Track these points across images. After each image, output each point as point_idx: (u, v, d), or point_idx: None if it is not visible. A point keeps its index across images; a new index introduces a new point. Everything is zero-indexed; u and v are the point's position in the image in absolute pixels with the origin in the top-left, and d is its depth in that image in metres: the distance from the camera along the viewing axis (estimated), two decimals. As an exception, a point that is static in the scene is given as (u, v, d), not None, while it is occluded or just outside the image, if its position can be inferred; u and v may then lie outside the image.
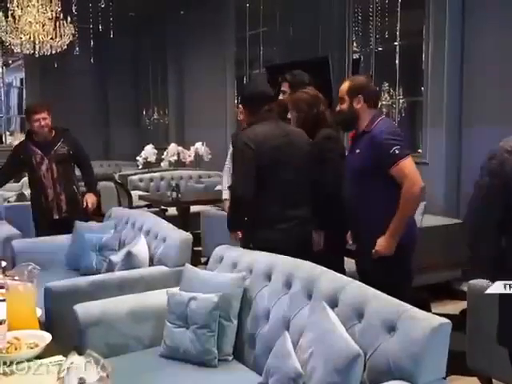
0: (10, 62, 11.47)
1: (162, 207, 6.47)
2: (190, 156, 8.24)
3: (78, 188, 4.51)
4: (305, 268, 2.32)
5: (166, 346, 2.43)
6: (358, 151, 2.85)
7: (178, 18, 9.55)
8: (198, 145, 8.13)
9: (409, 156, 2.71)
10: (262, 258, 2.55)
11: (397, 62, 6.20)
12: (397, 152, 2.66)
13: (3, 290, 2.12)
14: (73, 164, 4.53)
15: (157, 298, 2.66)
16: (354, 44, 6.65)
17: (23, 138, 4.68)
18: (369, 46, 6.55)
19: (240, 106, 3.14)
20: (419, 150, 6.03)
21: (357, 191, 2.85)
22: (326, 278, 2.16)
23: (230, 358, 2.41)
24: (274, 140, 2.93)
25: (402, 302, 1.84)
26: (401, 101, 6.42)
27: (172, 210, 6.40)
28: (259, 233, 2.91)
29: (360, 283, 2.07)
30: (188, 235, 3.40)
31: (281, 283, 2.33)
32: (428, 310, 3.92)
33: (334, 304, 2.00)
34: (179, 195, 5.94)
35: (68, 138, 4.43)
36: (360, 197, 2.83)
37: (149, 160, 8.50)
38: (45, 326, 2.42)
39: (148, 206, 6.53)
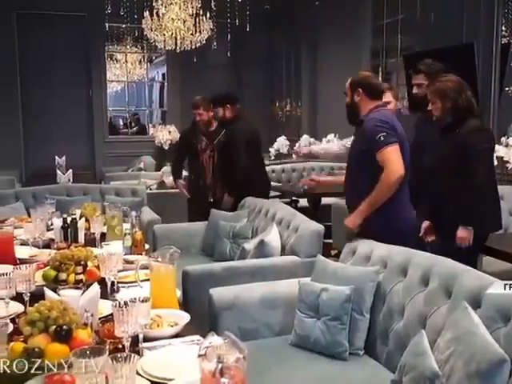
0: (154, 57, 12.17)
1: (294, 198, 6.52)
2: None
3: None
4: (443, 264, 2.19)
5: (296, 335, 2.44)
6: (354, 139, 3.13)
7: (312, 8, 9.51)
8: (330, 136, 8.06)
9: (394, 144, 2.79)
10: (397, 252, 2.46)
11: (553, 46, 5.65)
12: (382, 138, 2.77)
13: (147, 271, 2.26)
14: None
15: (288, 286, 2.68)
16: (503, 28, 6.14)
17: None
18: (520, 30, 6.02)
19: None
20: None
21: (352, 177, 3.02)
22: (468, 276, 2.02)
23: (361, 352, 2.36)
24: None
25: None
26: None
27: (303, 202, 6.42)
28: None
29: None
30: (320, 226, 3.39)
31: (417, 279, 2.23)
32: None
33: (476, 304, 1.87)
34: (311, 187, 5.94)
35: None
36: (354, 182, 2.99)
37: (281, 151, 8.62)
38: (183, 306, 2.53)
39: (279, 197, 6.61)
